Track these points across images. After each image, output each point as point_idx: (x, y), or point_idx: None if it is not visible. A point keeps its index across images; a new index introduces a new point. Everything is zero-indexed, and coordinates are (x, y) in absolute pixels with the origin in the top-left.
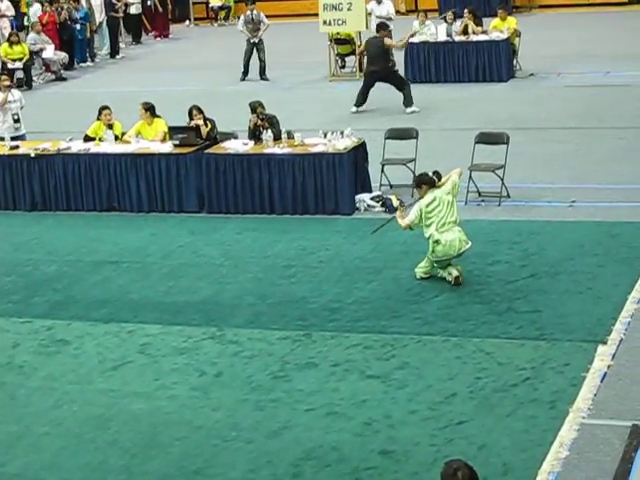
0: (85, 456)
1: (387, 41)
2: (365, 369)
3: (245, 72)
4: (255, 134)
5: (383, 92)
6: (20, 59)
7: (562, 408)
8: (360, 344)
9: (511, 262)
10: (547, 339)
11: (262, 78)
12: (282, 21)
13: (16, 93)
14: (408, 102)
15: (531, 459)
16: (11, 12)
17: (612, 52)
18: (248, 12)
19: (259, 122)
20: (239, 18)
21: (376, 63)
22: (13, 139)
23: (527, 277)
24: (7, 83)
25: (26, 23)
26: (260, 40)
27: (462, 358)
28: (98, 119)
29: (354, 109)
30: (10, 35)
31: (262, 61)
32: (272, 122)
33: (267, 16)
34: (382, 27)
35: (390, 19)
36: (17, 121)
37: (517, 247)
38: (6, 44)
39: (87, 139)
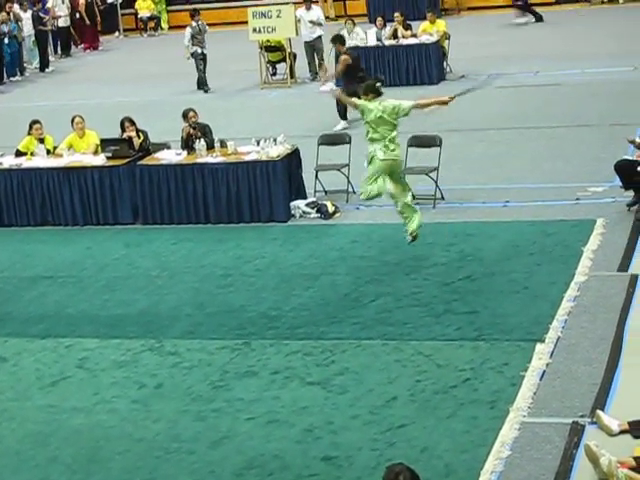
0: (26, 473)
1: (342, 60)
2: (305, 376)
3: (205, 83)
4: (188, 144)
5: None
6: None
7: (502, 408)
8: (299, 351)
9: (447, 264)
10: (485, 339)
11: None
12: (212, 30)
13: None
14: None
15: (473, 459)
16: None
17: (540, 52)
18: (194, 23)
19: (192, 131)
20: (183, 30)
21: None
22: None
23: (464, 278)
24: None
25: None
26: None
27: (401, 361)
28: (29, 134)
29: (343, 123)
30: None
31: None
32: (205, 131)
33: None
34: (339, 40)
35: (320, 25)
36: None
37: (453, 249)
38: None
39: (19, 154)
